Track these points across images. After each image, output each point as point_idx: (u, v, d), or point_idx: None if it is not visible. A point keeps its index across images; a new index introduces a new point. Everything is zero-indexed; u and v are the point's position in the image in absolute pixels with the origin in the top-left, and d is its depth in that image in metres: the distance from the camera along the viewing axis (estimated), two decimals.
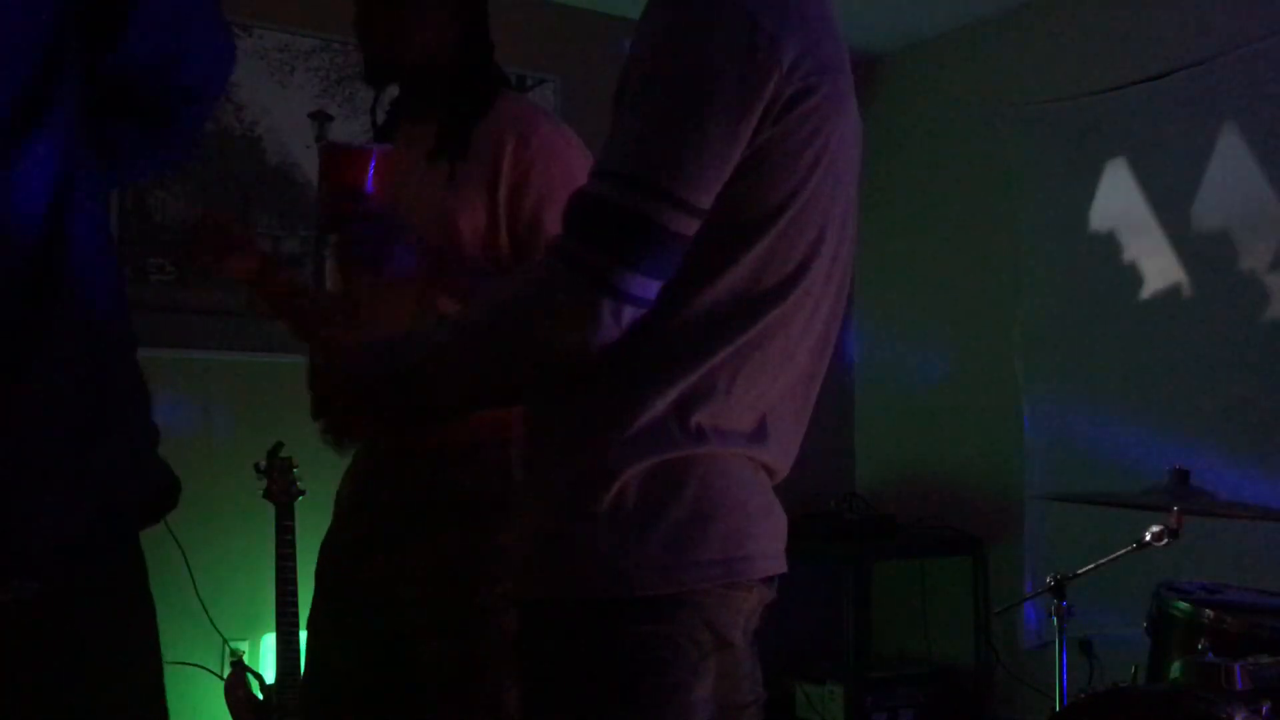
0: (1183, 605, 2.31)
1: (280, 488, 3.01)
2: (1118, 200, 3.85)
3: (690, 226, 1.14)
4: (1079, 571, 2.61)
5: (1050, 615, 2.57)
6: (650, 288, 1.13)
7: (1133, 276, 3.80)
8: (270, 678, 3.02)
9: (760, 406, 1.23)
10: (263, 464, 3.03)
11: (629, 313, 1.13)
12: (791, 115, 1.16)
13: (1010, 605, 2.89)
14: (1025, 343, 4.10)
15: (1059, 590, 2.56)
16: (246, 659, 3.27)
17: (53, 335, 0.92)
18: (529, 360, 1.21)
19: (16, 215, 0.90)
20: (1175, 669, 2.06)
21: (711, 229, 1.16)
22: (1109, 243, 3.89)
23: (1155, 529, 2.42)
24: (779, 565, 1.28)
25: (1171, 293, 3.70)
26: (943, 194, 4.45)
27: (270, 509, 3.01)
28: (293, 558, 2.95)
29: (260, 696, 3.02)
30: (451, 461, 1.82)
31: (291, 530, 2.97)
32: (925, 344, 4.50)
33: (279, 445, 3.05)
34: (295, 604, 2.93)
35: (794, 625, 4.20)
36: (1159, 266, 3.73)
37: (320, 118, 3.69)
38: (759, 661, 1.33)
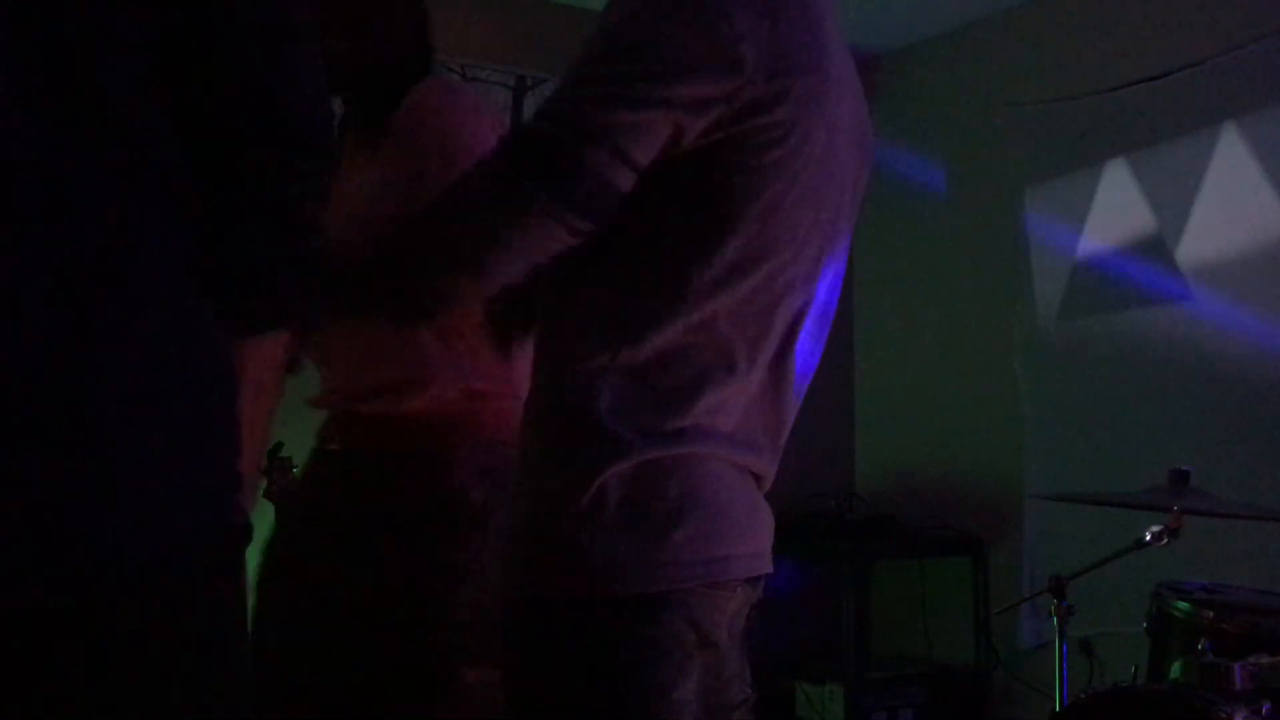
0: (1183, 605, 2.30)
1: (280, 488, 3.01)
2: (1118, 200, 3.85)
3: (620, 174, 1.14)
4: (1079, 571, 2.61)
5: (1050, 615, 2.57)
6: (579, 222, 1.15)
7: (1133, 276, 3.80)
8: None
9: (741, 412, 1.23)
10: (263, 464, 3.03)
11: (555, 231, 1.15)
12: (755, 118, 1.15)
13: (1010, 605, 2.88)
14: (1025, 343, 4.10)
15: (1059, 590, 2.56)
16: None
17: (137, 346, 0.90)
18: (457, 246, 1.22)
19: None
20: (1175, 669, 2.06)
21: (677, 234, 1.18)
22: (1108, 243, 3.89)
23: (1155, 529, 2.42)
24: (764, 565, 1.27)
25: (1171, 292, 3.70)
26: (942, 194, 4.45)
27: (269, 509, 3.01)
28: None
29: None
30: (394, 466, 1.77)
31: None
32: (925, 344, 4.50)
33: (279, 445, 3.05)
34: None
35: (794, 625, 4.20)
36: (1159, 266, 3.73)
37: None
38: (748, 661, 1.32)
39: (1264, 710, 1.91)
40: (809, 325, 1.29)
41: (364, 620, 1.74)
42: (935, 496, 4.34)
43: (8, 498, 0.83)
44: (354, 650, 1.75)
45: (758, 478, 1.30)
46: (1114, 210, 3.87)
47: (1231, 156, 3.53)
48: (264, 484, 3.03)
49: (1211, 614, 2.23)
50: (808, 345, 1.31)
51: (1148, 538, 2.43)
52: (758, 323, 1.22)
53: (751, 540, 1.25)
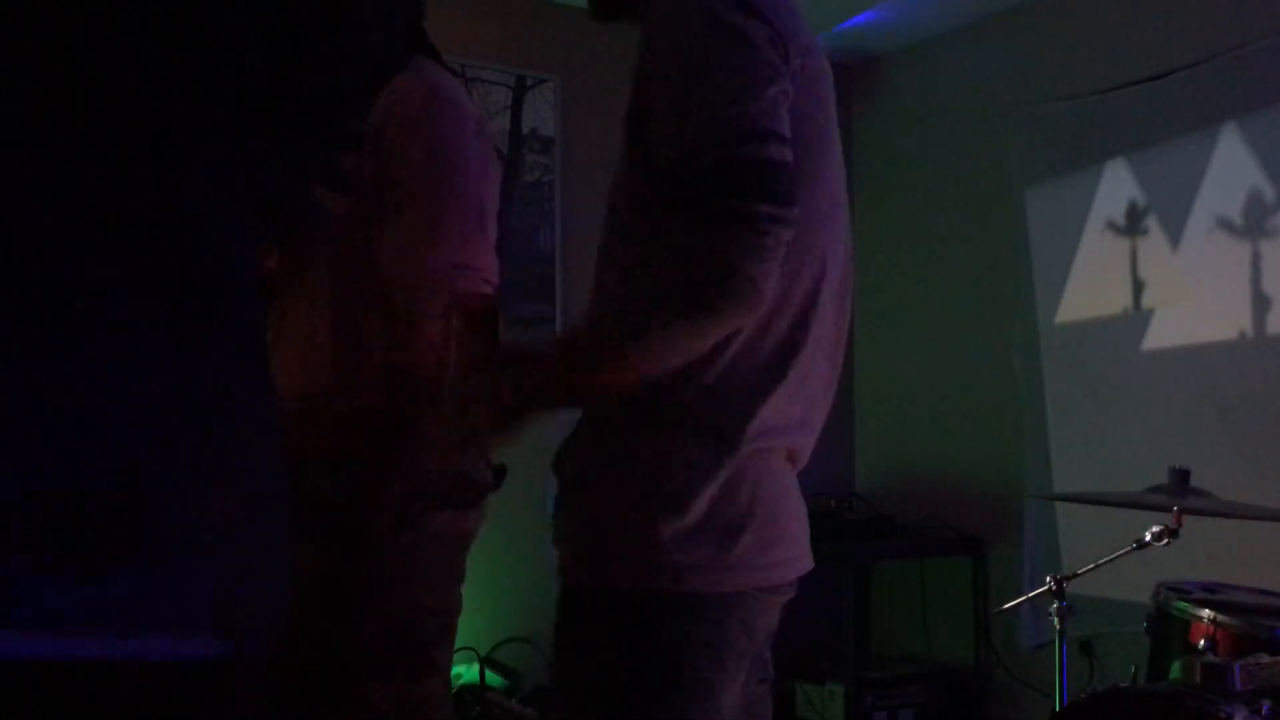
0: (1183, 605, 2.30)
1: None
2: (1118, 200, 3.85)
3: (787, 151, 1.18)
4: (1079, 571, 2.61)
5: (1050, 615, 2.57)
6: (788, 212, 1.16)
7: (1133, 276, 3.80)
8: None
9: (804, 396, 1.30)
10: None
11: (778, 233, 1.15)
12: (802, 85, 1.25)
13: (1010, 605, 2.88)
14: (1025, 343, 4.11)
15: (1059, 590, 2.56)
16: None
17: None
18: (707, 325, 1.18)
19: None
20: (1175, 669, 2.05)
21: None
22: (1108, 242, 3.89)
23: (1155, 529, 2.42)
24: (807, 564, 1.35)
25: (1171, 293, 3.70)
26: (943, 194, 4.45)
27: None
28: None
29: None
30: (318, 471, 1.70)
31: None
32: (925, 344, 4.50)
33: None
34: None
35: (794, 625, 4.18)
36: (1159, 267, 3.73)
37: None
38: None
39: (1264, 710, 1.91)
40: (829, 298, 1.35)
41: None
42: (935, 496, 4.35)
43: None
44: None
45: (796, 457, 1.36)
46: (1114, 210, 3.87)
47: (1231, 156, 3.53)
48: None
49: (1211, 614, 2.23)
50: (830, 316, 1.35)
51: (1148, 538, 2.43)
52: (789, 298, 1.28)
53: (801, 541, 1.33)
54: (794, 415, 1.29)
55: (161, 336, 0.82)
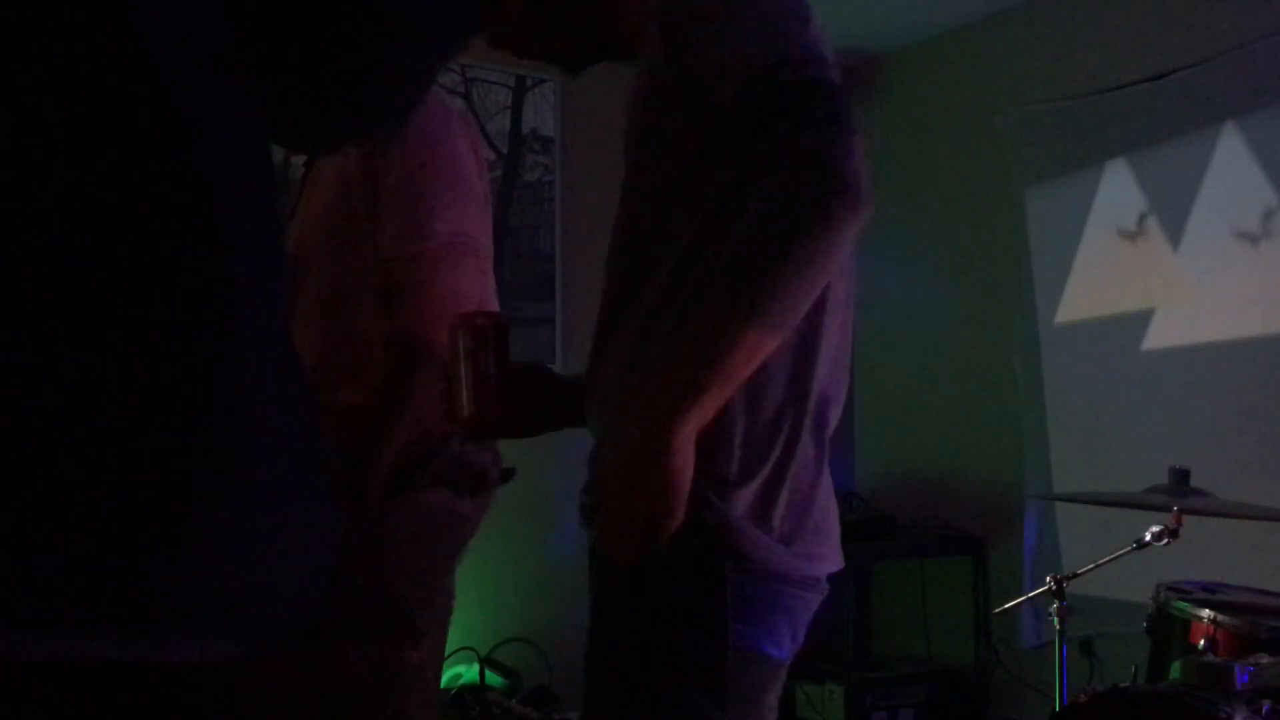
0: (1183, 605, 2.30)
1: None
2: (1118, 200, 3.85)
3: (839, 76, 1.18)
4: (1079, 571, 2.61)
5: (1050, 615, 2.57)
6: (859, 129, 1.15)
7: (1133, 277, 3.80)
8: None
9: (824, 384, 1.28)
10: None
11: (860, 141, 1.13)
12: None
13: (1010, 605, 2.88)
14: (1025, 343, 4.11)
15: (1059, 590, 2.56)
16: None
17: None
18: (829, 240, 1.13)
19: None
20: (1175, 669, 2.06)
21: None
22: (1108, 242, 3.89)
23: (1155, 529, 2.42)
24: (840, 560, 1.33)
25: (1171, 293, 3.70)
26: (943, 194, 4.45)
27: None
28: None
29: None
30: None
31: None
32: (925, 344, 4.50)
33: None
34: None
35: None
36: (1159, 267, 3.73)
37: None
38: None
39: (1264, 710, 1.91)
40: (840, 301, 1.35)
41: None
42: (935, 496, 4.35)
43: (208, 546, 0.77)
44: None
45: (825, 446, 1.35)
46: (1114, 210, 3.87)
47: (1231, 156, 3.53)
48: None
49: (1211, 614, 2.23)
50: (839, 318, 1.35)
51: (1148, 538, 2.44)
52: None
53: (836, 537, 1.32)
54: (826, 403, 1.28)
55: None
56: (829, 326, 1.27)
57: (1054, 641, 2.60)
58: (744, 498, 1.18)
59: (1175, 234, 3.69)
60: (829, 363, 1.28)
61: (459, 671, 3.76)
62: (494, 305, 1.87)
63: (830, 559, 1.29)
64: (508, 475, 1.90)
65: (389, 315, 1.78)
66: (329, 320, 1.80)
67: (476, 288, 1.81)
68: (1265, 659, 2.00)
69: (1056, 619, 2.56)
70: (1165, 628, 2.36)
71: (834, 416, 1.31)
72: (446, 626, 1.89)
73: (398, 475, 1.75)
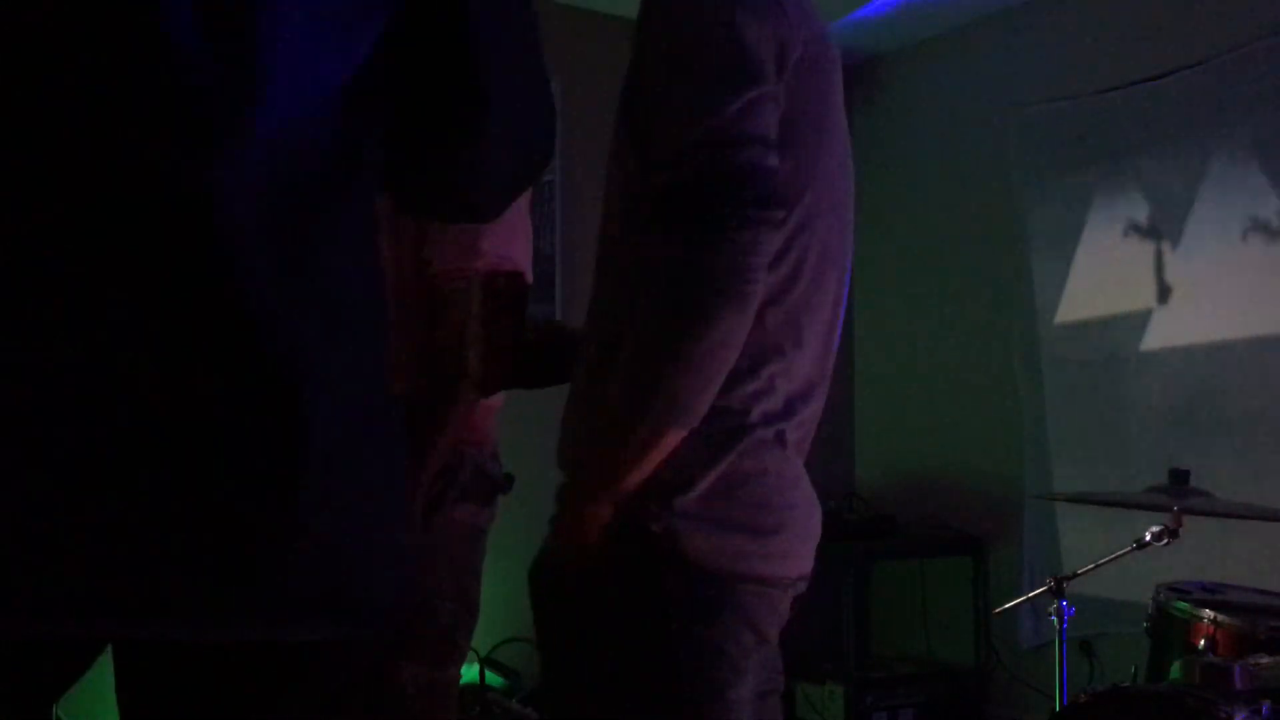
0: (1183, 605, 2.30)
1: None
2: (1118, 200, 3.85)
3: (775, 158, 1.19)
4: (1079, 571, 2.61)
5: (1050, 615, 2.57)
6: (781, 219, 1.19)
7: (1133, 276, 3.80)
8: None
9: (802, 385, 1.30)
10: None
11: (759, 234, 1.16)
12: (800, 73, 1.24)
13: (1010, 605, 2.88)
14: (1025, 343, 4.11)
15: (1059, 590, 2.56)
16: None
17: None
18: (713, 327, 1.17)
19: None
20: (1175, 669, 2.06)
21: None
22: (1108, 242, 3.89)
23: (1155, 529, 2.42)
24: (808, 564, 1.35)
25: (1171, 293, 3.70)
26: (943, 194, 4.45)
27: None
28: None
29: None
30: None
31: None
32: (925, 344, 4.50)
33: None
34: None
35: (794, 625, 4.19)
36: (1159, 266, 3.73)
37: None
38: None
39: (1264, 710, 1.91)
40: (828, 292, 1.34)
41: None
42: (935, 496, 4.35)
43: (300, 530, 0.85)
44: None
45: (799, 446, 1.36)
46: (1114, 210, 3.87)
47: (1231, 156, 3.53)
48: None
49: (1211, 614, 2.23)
50: (827, 313, 1.35)
51: (1148, 538, 2.44)
52: (789, 291, 1.29)
53: (804, 539, 1.33)
54: (793, 404, 1.29)
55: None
56: (803, 325, 1.28)
57: (1054, 641, 2.60)
58: (690, 502, 1.20)
59: (1175, 234, 3.69)
60: (803, 364, 1.29)
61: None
62: (525, 324, 1.89)
63: (796, 559, 1.30)
64: (509, 482, 1.91)
65: (430, 329, 1.78)
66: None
67: None
68: (1265, 659, 2.00)
69: (1056, 619, 2.56)
70: (1165, 628, 2.36)
71: (809, 417, 1.33)
72: (473, 631, 1.91)
73: (433, 494, 1.76)
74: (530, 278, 1.86)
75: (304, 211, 0.86)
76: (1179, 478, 2.43)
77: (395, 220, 1.79)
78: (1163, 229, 3.73)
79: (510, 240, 1.84)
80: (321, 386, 0.84)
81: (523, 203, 1.90)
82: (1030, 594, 2.74)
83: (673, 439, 1.19)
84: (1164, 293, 3.72)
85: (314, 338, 0.85)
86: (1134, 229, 3.80)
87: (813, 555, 1.36)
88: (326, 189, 0.88)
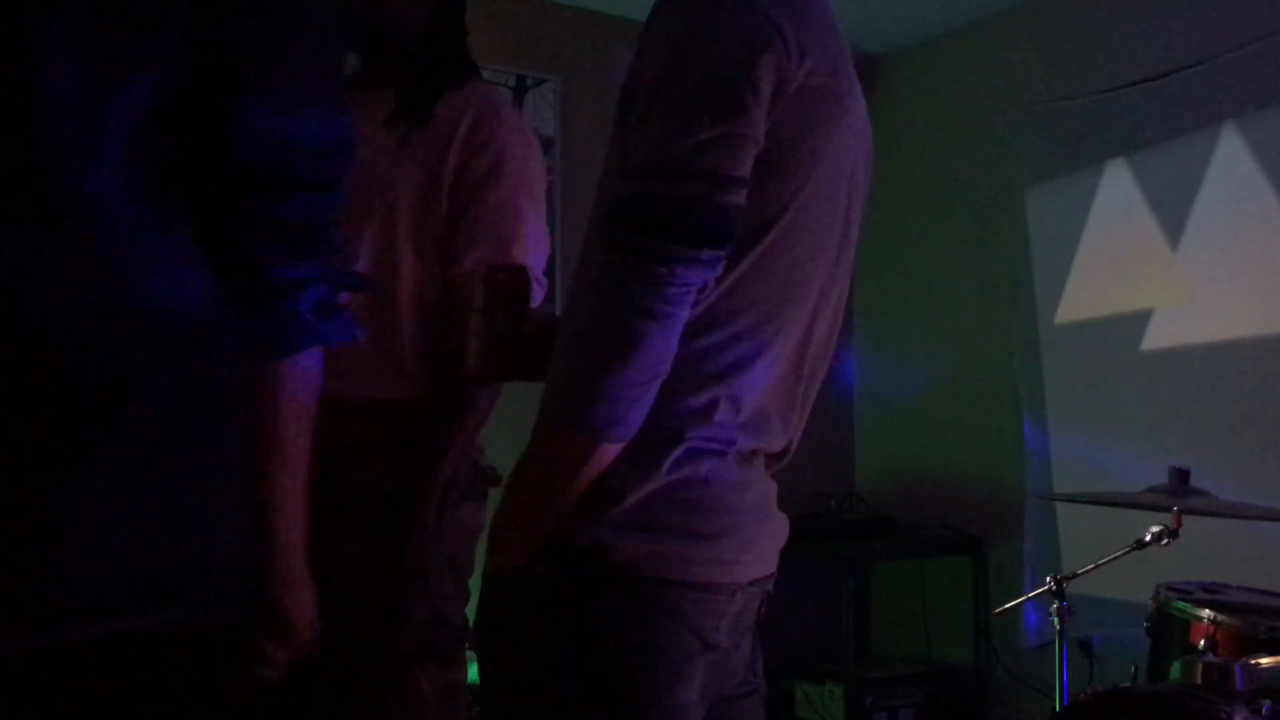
0: (1183, 605, 2.30)
1: None
2: (1118, 200, 3.85)
3: (739, 195, 1.17)
4: (1079, 571, 2.61)
5: (1050, 615, 2.57)
6: (715, 257, 1.17)
7: (1132, 277, 3.80)
8: None
9: (740, 407, 1.25)
10: None
11: (679, 273, 1.15)
12: (795, 105, 1.20)
13: (1010, 605, 2.88)
14: (1025, 343, 4.11)
15: (1059, 590, 2.56)
16: None
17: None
18: (630, 365, 1.16)
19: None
20: (1175, 669, 2.05)
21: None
22: (1108, 242, 3.89)
23: (1155, 529, 2.42)
24: (765, 568, 1.29)
25: (1171, 293, 3.70)
26: (942, 194, 4.45)
27: None
28: None
29: None
30: (339, 459, 1.73)
31: None
32: (925, 344, 4.50)
33: None
34: None
35: (794, 625, 4.20)
36: (1159, 266, 3.73)
37: None
38: (759, 652, 1.35)
39: (1264, 710, 1.91)
40: (807, 328, 1.31)
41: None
42: (935, 496, 4.35)
43: (131, 514, 0.86)
44: (305, 658, 1.72)
45: (767, 456, 1.32)
46: (1114, 210, 3.87)
47: (1231, 156, 3.53)
48: None
49: (1211, 614, 2.23)
50: (812, 341, 1.33)
51: (1148, 538, 2.44)
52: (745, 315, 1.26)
53: (756, 544, 1.27)
54: (743, 424, 1.26)
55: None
56: (760, 347, 1.25)
57: (1054, 641, 2.60)
58: (620, 514, 1.18)
59: (1175, 234, 3.69)
60: (757, 385, 1.26)
61: None
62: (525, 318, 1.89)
63: (743, 565, 1.25)
64: (499, 478, 1.91)
65: (454, 329, 1.78)
66: (363, 318, 1.79)
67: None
68: (1265, 659, 2.00)
69: (1056, 619, 2.56)
70: (1165, 628, 2.36)
71: (766, 433, 1.29)
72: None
73: (440, 498, 1.76)
74: (544, 281, 1.86)
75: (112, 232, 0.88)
76: (1179, 478, 2.43)
77: (423, 220, 1.79)
78: (1162, 229, 3.73)
79: (536, 244, 1.84)
80: (125, 380, 0.85)
81: (544, 209, 1.90)
82: (1030, 594, 2.74)
83: (606, 454, 1.17)
84: (1164, 293, 3.72)
85: (128, 342, 0.86)
86: (1134, 229, 3.80)
87: (771, 559, 1.31)
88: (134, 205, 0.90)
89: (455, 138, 1.79)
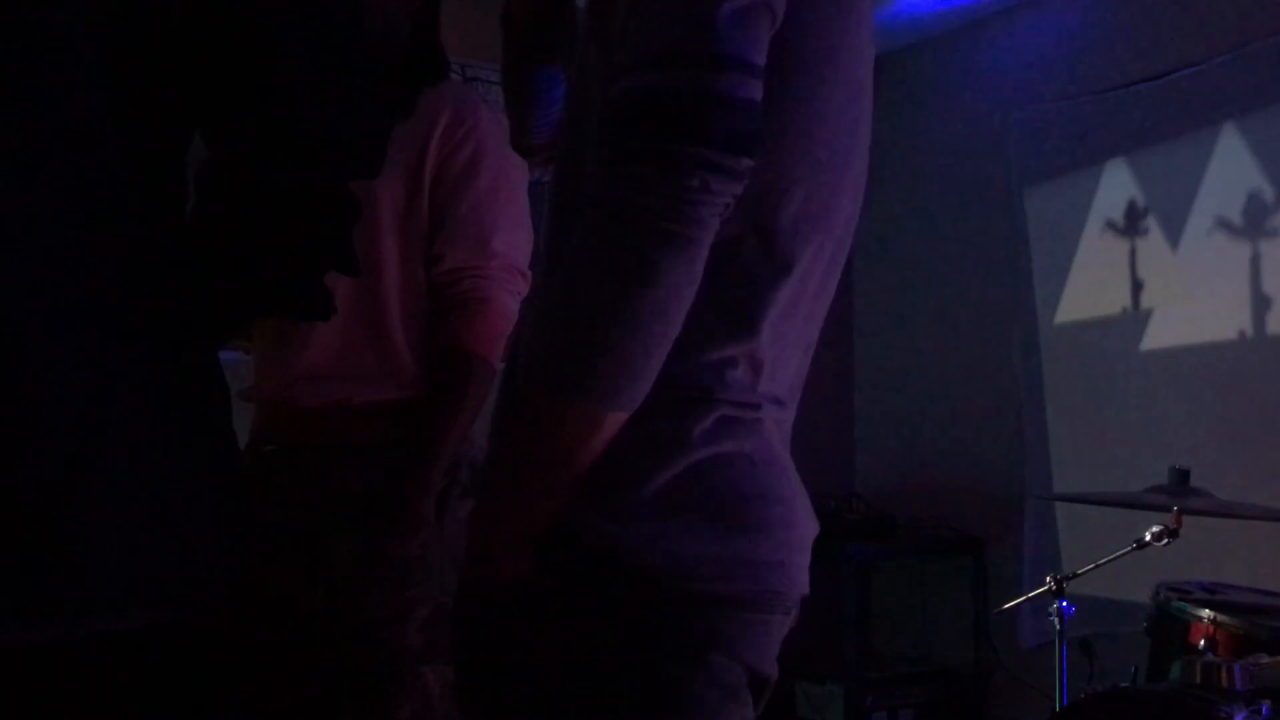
0: (1183, 605, 2.30)
1: None
2: (1118, 200, 3.85)
3: (756, 88, 0.94)
4: (1079, 571, 2.61)
5: (1050, 615, 2.57)
6: (749, 168, 0.93)
7: (1132, 277, 3.80)
8: None
9: (780, 361, 1.05)
10: None
11: (711, 183, 0.91)
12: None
13: (1010, 605, 2.88)
14: (1025, 343, 4.11)
15: (1059, 590, 2.56)
16: None
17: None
18: (648, 285, 0.91)
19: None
20: (1175, 669, 2.06)
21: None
22: (1108, 242, 3.89)
23: (1155, 529, 2.42)
24: (805, 580, 1.10)
25: (1171, 293, 3.70)
26: (943, 194, 4.45)
27: None
28: None
29: None
30: (336, 461, 1.75)
31: None
32: (925, 344, 4.50)
33: None
34: None
35: (794, 625, 4.19)
36: (1159, 267, 3.73)
37: None
38: None
39: (1264, 710, 1.91)
40: (819, 258, 1.08)
41: (320, 625, 1.71)
42: (935, 496, 4.34)
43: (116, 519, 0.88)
44: (312, 656, 1.72)
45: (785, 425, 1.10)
46: (1114, 210, 3.87)
47: (1231, 157, 3.53)
48: None
49: (1211, 614, 2.23)
50: (814, 283, 1.09)
51: (1148, 538, 2.43)
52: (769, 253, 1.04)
53: (800, 550, 1.10)
54: (768, 383, 1.03)
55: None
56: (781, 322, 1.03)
57: (1054, 641, 2.59)
58: (640, 502, 0.95)
59: (1175, 234, 3.69)
60: (783, 334, 1.05)
61: None
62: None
63: (795, 569, 1.05)
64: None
65: (443, 327, 1.79)
66: (354, 319, 1.79)
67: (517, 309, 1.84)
68: (1265, 659, 2.00)
69: (1056, 619, 2.56)
70: (1165, 628, 2.36)
71: (789, 405, 1.09)
72: None
73: (440, 493, 1.76)
74: (528, 274, 1.86)
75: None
76: (1179, 478, 2.43)
77: (405, 219, 1.80)
78: (1162, 229, 3.73)
79: (519, 238, 1.85)
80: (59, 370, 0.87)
81: (525, 202, 1.90)
82: (1030, 594, 2.74)
83: (612, 425, 0.93)
84: (1163, 293, 3.72)
85: (74, 342, 0.88)
86: (1134, 229, 3.80)
87: (807, 572, 1.09)
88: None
89: (433, 136, 1.80)
